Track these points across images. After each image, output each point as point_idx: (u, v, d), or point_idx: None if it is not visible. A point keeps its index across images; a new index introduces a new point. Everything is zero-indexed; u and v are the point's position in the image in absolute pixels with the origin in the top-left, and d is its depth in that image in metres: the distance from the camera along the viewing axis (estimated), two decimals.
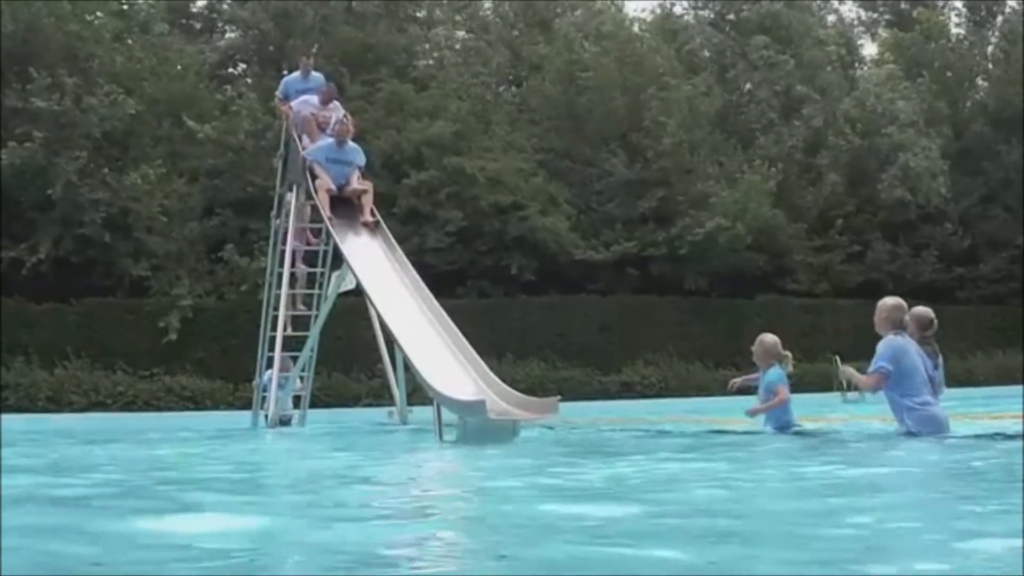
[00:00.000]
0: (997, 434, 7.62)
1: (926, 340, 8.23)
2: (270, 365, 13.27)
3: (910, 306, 8.26)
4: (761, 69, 33.00)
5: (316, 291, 14.19)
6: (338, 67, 26.40)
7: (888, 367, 7.71)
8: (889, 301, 8.14)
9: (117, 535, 3.37)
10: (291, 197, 13.79)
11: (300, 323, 14.08)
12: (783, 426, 8.95)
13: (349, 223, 12.42)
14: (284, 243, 13.78)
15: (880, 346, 7.84)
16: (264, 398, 13.34)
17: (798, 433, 8.81)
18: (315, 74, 14.74)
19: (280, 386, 12.97)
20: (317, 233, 13.95)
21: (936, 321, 8.36)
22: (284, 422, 13.30)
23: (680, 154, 28.46)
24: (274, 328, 13.44)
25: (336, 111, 14.11)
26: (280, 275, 13.65)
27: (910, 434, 7.60)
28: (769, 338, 9.16)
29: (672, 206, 28.08)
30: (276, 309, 13.52)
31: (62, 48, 24.27)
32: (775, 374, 8.98)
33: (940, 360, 8.33)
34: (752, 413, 9.23)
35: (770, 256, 29.31)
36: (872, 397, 9.27)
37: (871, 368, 7.82)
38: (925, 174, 30.09)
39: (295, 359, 13.58)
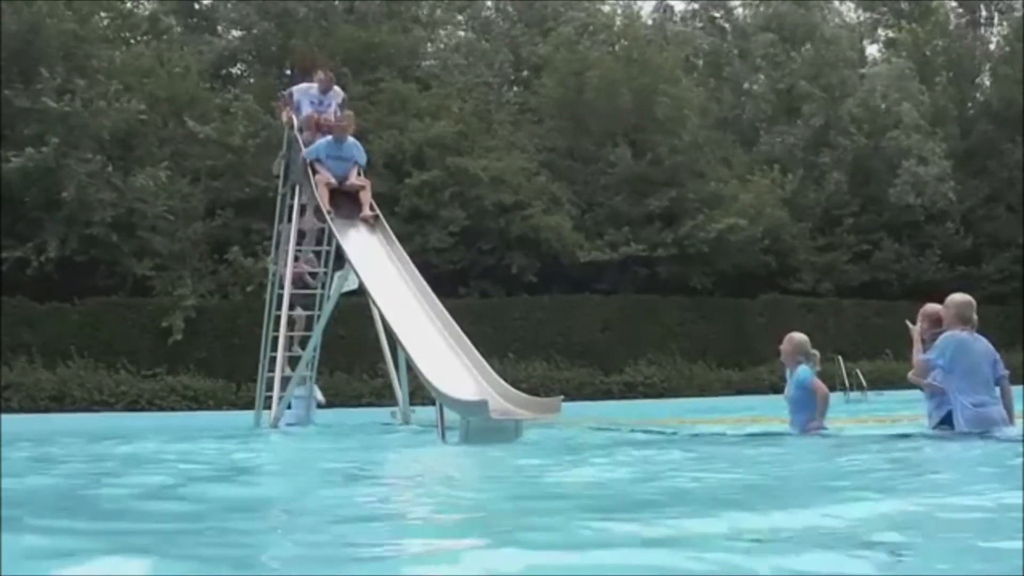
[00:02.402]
0: None
1: (937, 336, 8.17)
2: (272, 365, 13.31)
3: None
4: (764, 68, 33.05)
5: (319, 291, 14.23)
6: (340, 67, 26.43)
7: (937, 361, 7.56)
8: (957, 297, 7.89)
9: None
10: (294, 198, 13.83)
11: (303, 323, 14.13)
12: (807, 426, 8.74)
13: (349, 219, 12.45)
14: (286, 242, 13.82)
15: (940, 339, 7.66)
16: (268, 398, 13.36)
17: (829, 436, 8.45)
18: (336, 89, 14.57)
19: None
20: (314, 275, 14.15)
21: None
22: (298, 423, 13.56)
23: (692, 153, 28.53)
24: (276, 328, 13.48)
25: (336, 96, 14.16)
26: (283, 276, 13.69)
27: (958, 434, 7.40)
28: (799, 336, 9.04)
29: (681, 205, 28.08)
30: (279, 309, 13.56)
31: (62, 48, 24.31)
32: (805, 372, 8.82)
33: None
34: (814, 428, 8.77)
35: (774, 255, 29.36)
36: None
37: (922, 355, 7.68)
38: (933, 180, 30.17)
39: (298, 359, 13.62)
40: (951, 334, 7.63)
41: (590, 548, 2.93)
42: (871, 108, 31.70)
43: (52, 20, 23.88)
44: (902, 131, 30.61)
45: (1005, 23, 35.38)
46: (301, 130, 13.75)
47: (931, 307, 8.31)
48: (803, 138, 31.84)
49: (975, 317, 7.79)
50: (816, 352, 9.04)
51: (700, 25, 36.16)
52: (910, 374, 8.33)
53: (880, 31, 37.60)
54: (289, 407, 13.46)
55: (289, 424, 13.34)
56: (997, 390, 7.74)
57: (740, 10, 36.63)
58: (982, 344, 7.72)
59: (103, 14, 26.52)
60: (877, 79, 32.49)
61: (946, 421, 7.89)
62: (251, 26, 29.48)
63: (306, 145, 13.31)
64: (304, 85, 14.41)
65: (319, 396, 15.07)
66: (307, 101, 14.06)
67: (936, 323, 8.17)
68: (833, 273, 30.56)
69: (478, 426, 8.91)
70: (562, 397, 10.11)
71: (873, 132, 31.34)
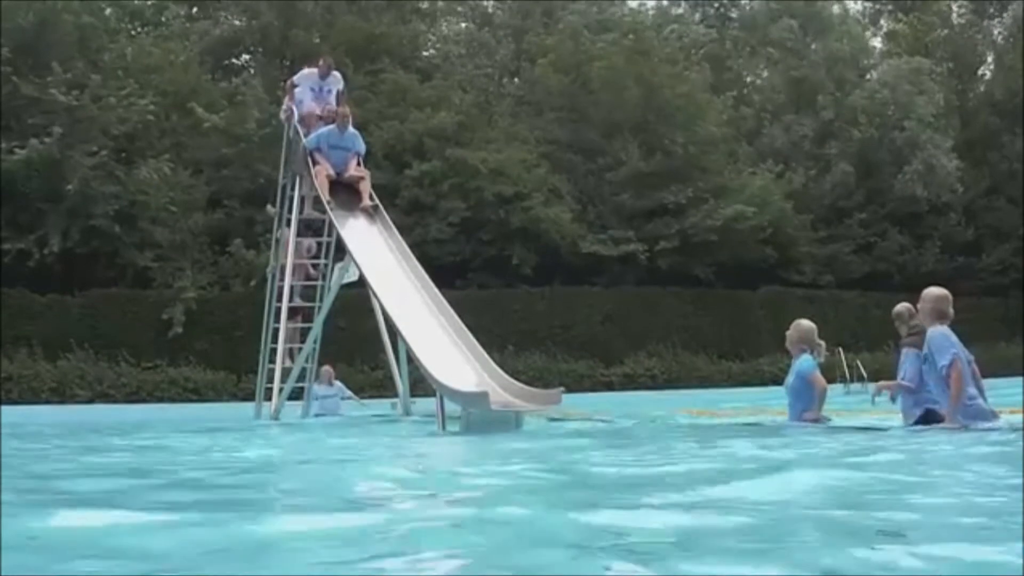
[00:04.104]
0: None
1: (913, 330, 8.17)
2: (273, 357, 13.32)
3: (912, 298, 8.18)
4: (777, 56, 33.03)
5: (320, 282, 14.22)
6: (342, 58, 26.41)
7: (961, 353, 7.29)
8: (934, 291, 7.69)
9: None
10: (294, 189, 13.82)
11: (303, 314, 14.14)
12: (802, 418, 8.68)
13: (348, 208, 12.45)
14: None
15: (937, 338, 7.39)
16: (268, 389, 13.36)
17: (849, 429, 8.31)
18: (335, 74, 14.63)
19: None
20: (315, 267, 14.24)
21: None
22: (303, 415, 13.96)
23: (704, 148, 28.49)
24: (277, 320, 13.48)
25: (336, 82, 14.19)
26: (283, 266, 13.68)
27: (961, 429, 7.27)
28: (805, 323, 8.85)
29: (688, 198, 28.04)
30: (279, 301, 13.55)
31: (76, 42, 24.39)
32: (808, 362, 8.67)
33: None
34: (810, 419, 8.67)
35: (775, 247, 29.37)
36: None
37: (942, 362, 7.26)
38: (941, 171, 30.23)
39: (297, 351, 13.65)
40: (940, 331, 7.44)
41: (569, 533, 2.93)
42: (878, 101, 31.64)
43: (69, 17, 23.95)
44: (916, 123, 30.55)
45: (1007, 15, 35.34)
46: (302, 120, 13.77)
47: (903, 306, 8.38)
48: (812, 129, 31.84)
49: (951, 311, 7.67)
50: (822, 342, 8.91)
51: (700, 20, 36.10)
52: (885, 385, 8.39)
53: (883, 22, 37.57)
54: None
55: (317, 415, 14.25)
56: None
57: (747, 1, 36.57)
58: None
59: (104, 4, 26.59)
60: (891, 72, 32.33)
61: (924, 419, 7.83)
62: (255, 15, 29.52)
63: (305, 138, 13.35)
64: (306, 71, 14.46)
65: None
66: (308, 88, 14.11)
67: (906, 319, 8.19)
68: (834, 265, 30.58)
69: (478, 417, 8.91)
70: (563, 389, 10.09)
71: (881, 124, 31.31)
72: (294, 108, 14.14)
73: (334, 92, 14.08)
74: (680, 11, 36.60)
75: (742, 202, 27.61)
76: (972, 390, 7.50)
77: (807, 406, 8.63)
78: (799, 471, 4.74)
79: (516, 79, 32.79)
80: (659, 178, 28.03)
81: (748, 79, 34.94)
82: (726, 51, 34.59)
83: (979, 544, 2.68)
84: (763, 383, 23.01)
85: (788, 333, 8.84)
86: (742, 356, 27.29)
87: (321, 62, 14.49)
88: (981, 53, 36.06)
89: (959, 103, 34.08)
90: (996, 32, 36.41)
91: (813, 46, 33.35)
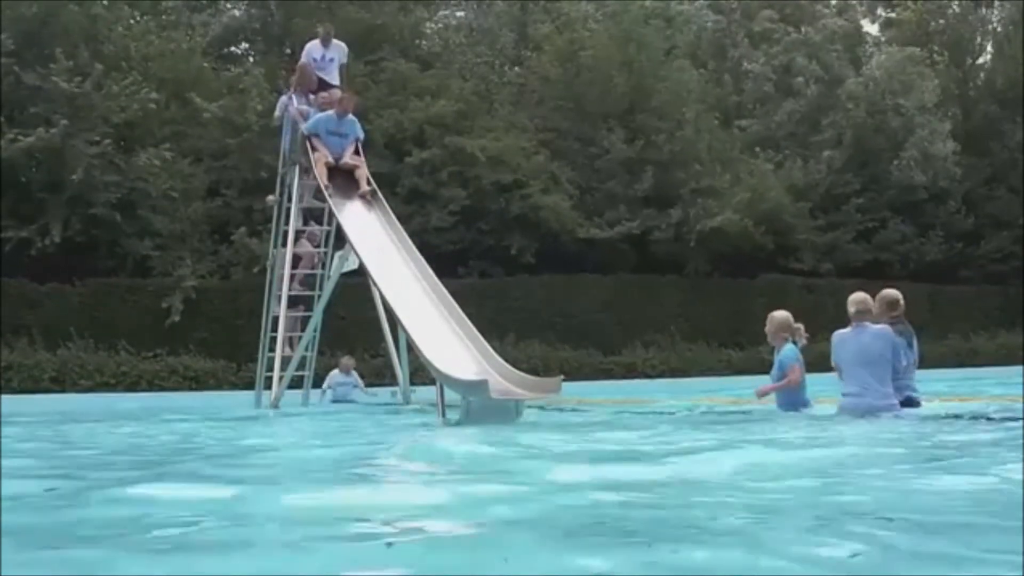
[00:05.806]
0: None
1: (896, 320, 8.34)
2: (273, 345, 13.36)
3: (910, 288, 8.35)
4: (762, 44, 32.98)
5: (320, 271, 14.25)
6: None
7: (833, 358, 8.31)
8: (888, 293, 8.35)
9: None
10: (294, 178, 13.84)
11: (304, 303, 14.17)
12: (794, 405, 8.79)
13: (347, 195, 12.48)
14: (286, 223, 13.83)
15: (833, 337, 8.40)
16: (268, 378, 13.38)
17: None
18: (336, 42, 14.67)
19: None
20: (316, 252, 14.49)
21: (902, 302, 8.54)
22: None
23: (690, 140, 28.37)
24: (277, 308, 13.51)
25: (338, 52, 14.25)
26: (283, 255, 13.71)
27: None
28: (779, 314, 9.06)
29: (674, 189, 27.96)
30: (279, 289, 13.58)
31: (81, 31, 24.35)
32: (789, 352, 8.83)
33: (914, 339, 8.51)
34: (761, 393, 9.02)
35: (773, 236, 29.32)
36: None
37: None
38: (938, 157, 30.21)
39: (298, 339, 13.68)
40: (835, 333, 8.41)
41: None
42: (872, 90, 31.57)
43: (75, 7, 23.92)
44: (915, 108, 30.47)
45: (1007, 3, 35.26)
46: (300, 71, 14.03)
47: (885, 292, 8.60)
48: (794, 112, 31.78)
49: (875, 307, 8.36)
50: (800, 326, 9.10)
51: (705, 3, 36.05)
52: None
53: (880, 11, 37.49)
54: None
55: (334, 401, 15.38)
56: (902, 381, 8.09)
57: None
58: (869, 337, 7.86)
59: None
60: (888, 60, 32.24)
61: (904, 404, 8.10)
62: (255, 4, 29.47)
63: (296, 89, 13.65)
64: (311, 43, 14.54)
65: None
66: (312, 60, 14.25)
67: (892, 306, 8.41)
68: (835, 253, 30.54)
69: (478, 406, 8.93)
70: (562, 377, 10.10)
71: (876, 111, 31.23)
72: (293, 98, 14.16)
73: (335, 62, 14.13)
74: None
75: (733, 207, 27.44)
76: (853, 388, 8.14)
77: (796, 395, 8.77)
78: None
79: (516, 68, 32.71)
80: (642, 165, 27.94)
81: (747, 66, 34.85)
82: (730, 39, 34.52)
83: None
84: (763, 372, 23.01)
85: (766, 328, 9.07)
86: (742, 345, 27.27)
87: (320, 30, 14.62)
88: (981, 42, 35.99)
89: (959, 92, 34.03)
90: (995, 20, 36.32)
91: (805, 31, 33.27)
